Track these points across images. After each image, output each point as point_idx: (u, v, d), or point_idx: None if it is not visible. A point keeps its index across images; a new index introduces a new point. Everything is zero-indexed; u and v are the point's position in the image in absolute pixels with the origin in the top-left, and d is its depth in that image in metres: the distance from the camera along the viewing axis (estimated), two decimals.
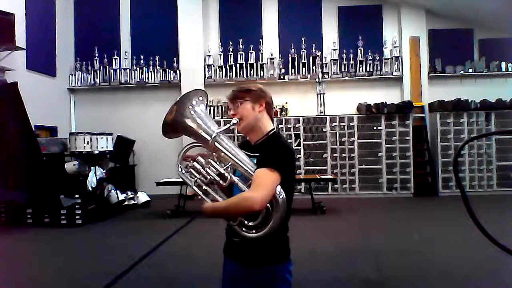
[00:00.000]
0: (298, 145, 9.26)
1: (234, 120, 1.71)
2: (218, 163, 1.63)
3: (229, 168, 1.61)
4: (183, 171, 1.68)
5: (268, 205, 1.53)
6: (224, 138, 1.62)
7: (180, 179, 1.72)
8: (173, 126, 1.66)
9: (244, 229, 1.57)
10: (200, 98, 1.70)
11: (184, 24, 9.97)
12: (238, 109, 1.72)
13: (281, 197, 1.54)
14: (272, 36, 10.12)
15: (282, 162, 1.59)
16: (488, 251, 2.69)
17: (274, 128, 1.77)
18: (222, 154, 1.60)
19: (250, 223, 1.55)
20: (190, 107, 1.65)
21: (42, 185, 6.49)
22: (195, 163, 1.65)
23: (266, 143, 1.70)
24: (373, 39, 9.75)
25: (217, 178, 1.61)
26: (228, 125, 1.67)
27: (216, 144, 1.59)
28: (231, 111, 1.75)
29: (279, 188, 1.55)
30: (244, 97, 1.72)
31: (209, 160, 1.63)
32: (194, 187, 1.64)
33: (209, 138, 1.60)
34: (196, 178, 1.64)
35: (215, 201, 1.60)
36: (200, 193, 1.63)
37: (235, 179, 1.59)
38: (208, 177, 1.62)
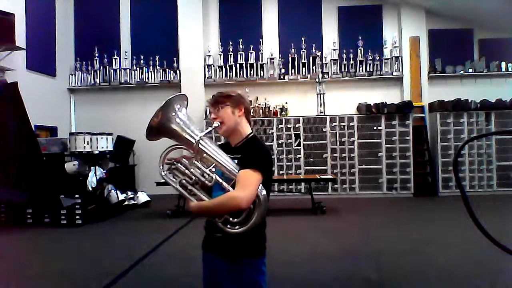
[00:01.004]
0: (298, 145, 9.27)
1: (216, 124, 1.81)
2: (202, 164, 1.71)
3: (213, 169, 1.70)
4: (165, 173, 1.75)
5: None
6: (207, 140, 1.71)
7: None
8: (158, 130, 1.74)
9: (228, 225, 1.66)
10: (182, 103, 1.80)
11: (184, 24, 9.98)
12: (219, 113, 1.83)
13: (262, 194, 1.66)
14: (272, 36, 10.12)
15: (263, 164, 1.71)
16: (488, 251, 2.69)
17: (252, 132, 1.89)
18: (205, 155, 1.70)
19: (235, 220, 1.65)
20: (174, 113, 1.73)
21: (42, 185, 6.49)
22: (179, 165, 1.72)
23: (246, 145, 1.81)
24: (373, 39, 9.75)
25: (202, 178, 1.69)
26: (210, 128, 1.81)
27: (200, 146, 1.68)
28: (212, 115, 1.86)
29: (260, 186, 1.66)
30: (225, 102, 1.84)
31: (193, 161, 1.71)
32: (178, 187, 1.71)
33: (193, 140, 1.68)
34: (180, 179, 1.71)
35: (200, 201, 1.68)
36: (185, 193, 1.71)
37: (219, 179, 1.67)
38: (193, 177, 1.70)
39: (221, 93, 1.88)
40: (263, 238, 1.85)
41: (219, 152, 1.72)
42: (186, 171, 1.71)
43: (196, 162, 1.70)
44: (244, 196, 1.58)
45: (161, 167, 1.75)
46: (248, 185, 1.61)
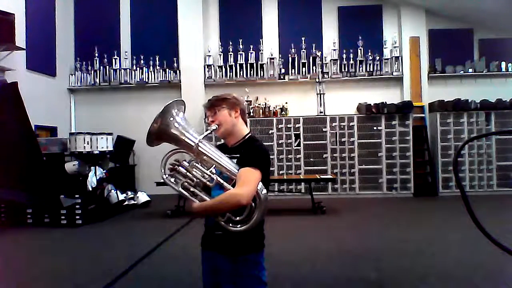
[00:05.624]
0: (298, 145, 9.26)
1: (214, 126, 1.86)
2: (202, 166, 1.76)
3: (213, 170, 1.75)
4: (167, 176, 1.80)
5: (251, 201, 1.67)
6: (206, 143, 1.77)
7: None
8: (158, 135, 1.79)
9: (230, 224, 1.71)
10: (180, 108, 1.84)
11: (184, 24, 9.98)
12: (216, 116, 1.88)
13: (263, 193, 1.71)
14: (272, 36, 10.12)
15: (262, 162, 1.77)
16: (488, 251, 2.70)
17: (249, 132, 1.94)
18: (205, 157, 1.75)
19: (237, 218, 1.70)
20: (172, 118, 1.78)
21: (42, 185, 6.48)
22: (180, 167, 1.77)
23: (244, 145, 1.86)
24: (373, 39, 9.75)
25: (203, 180, 1.74)
26: (208, 131, 1.85)
27: (200, 148, 1.73)
28: (210, 118, 1.91)
29: (260, 185, 1.71)
30: (221, 105, 1.88)
31: (194, 163, 1.76)
32: (181, 190, 1.75)
33: (193, 144, 1.73)
34: (182, 181, 1.76)
35: (203, 201, 1.72)
36: (187, 194, 1.75)
37: (220, 179, 1.72)
38: (195, 179, 1.75)
39: (217, 96, 1.93)
40: (262, 234, 1.89)
41: (218, 153, 1.77)
42: (187, 173, 1.75)
43: (196, 164, 1.75)
44: (244, 192, 1.62)
45: (163, 171, 1.79)
46: (247, 182, 1.65)
